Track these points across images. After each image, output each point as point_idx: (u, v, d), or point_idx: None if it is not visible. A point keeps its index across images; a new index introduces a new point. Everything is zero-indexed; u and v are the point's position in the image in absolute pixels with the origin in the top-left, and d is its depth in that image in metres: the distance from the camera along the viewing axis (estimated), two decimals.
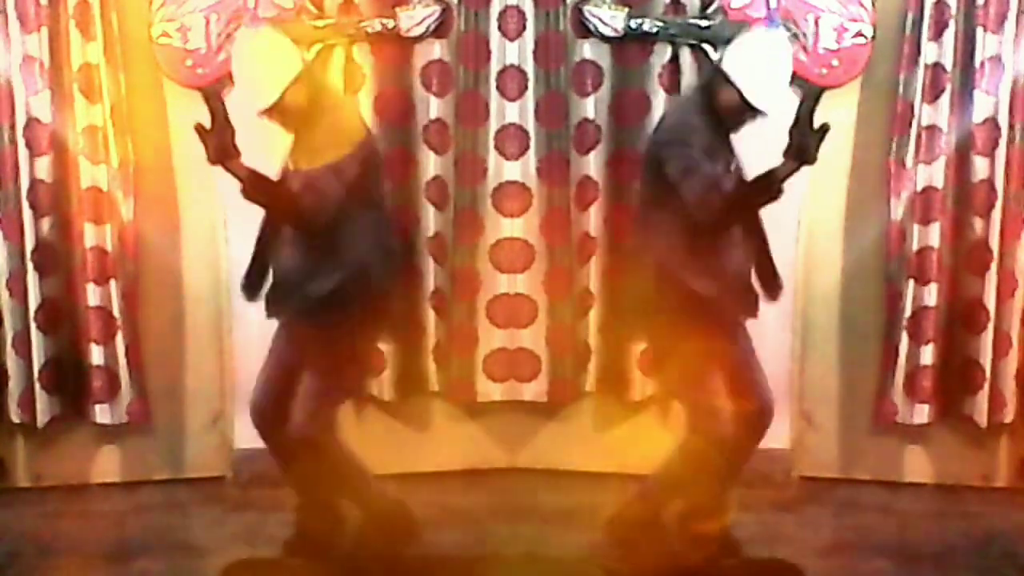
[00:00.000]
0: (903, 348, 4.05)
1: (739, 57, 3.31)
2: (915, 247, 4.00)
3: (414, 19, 3.92)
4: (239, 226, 3.99)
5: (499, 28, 3.99)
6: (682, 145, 3.27)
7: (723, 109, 3.30)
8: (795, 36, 3.88)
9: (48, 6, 3.84)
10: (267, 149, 3.62)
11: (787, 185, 3.19)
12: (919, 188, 3.97)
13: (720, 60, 3.39)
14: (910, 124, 3.94)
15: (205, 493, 4.13)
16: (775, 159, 3.19)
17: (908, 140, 3.94)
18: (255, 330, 4.03)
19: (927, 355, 4.03)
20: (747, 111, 3.27)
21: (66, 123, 3.91)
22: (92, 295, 4.00)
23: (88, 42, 3.86)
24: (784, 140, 3.19)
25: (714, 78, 3.36)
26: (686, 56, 3.95)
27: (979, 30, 3.87)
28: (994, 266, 3.97)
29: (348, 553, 3.61)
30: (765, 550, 3.67)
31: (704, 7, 3.94)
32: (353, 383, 3.67)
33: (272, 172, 3.34)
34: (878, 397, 4.13)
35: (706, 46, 3.93)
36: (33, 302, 3.97)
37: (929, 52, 3.89)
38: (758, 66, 3.30)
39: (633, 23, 3.92)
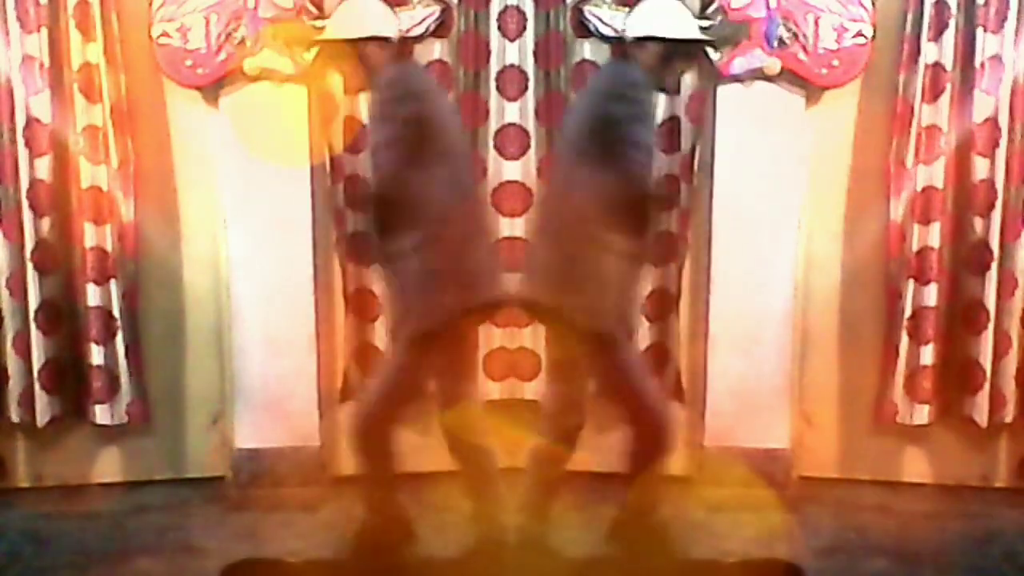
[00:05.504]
0: (903, 348, 4.04)
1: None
2: (915, 247, 3.99)
3: (414, 19, 3.92)
4: (239, 226, 4.01)
5: (499, 28, 3.98)
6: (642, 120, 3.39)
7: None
8: (795, 36, 3.88)
9: (48, 6, 3.84)
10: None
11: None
12: (919, 188, 3.96)
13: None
14: (910, 124, 3.93)
15: (205, 493, 4.13)
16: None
17: (908, 140, 3.94)
18: (255, 330, 4.06)
19: (927, 355, 4.03)
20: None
21: (66, 123, 3.90)
22: (92, 295, 3.99)
23: (88, 42, 3.86)
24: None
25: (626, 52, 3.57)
26: None
27: (979, 30, 3.86)
28: (994, 266, 3.97)
29: (350, 553, 3.62)
30: (765, 550, 3.67)
31: (704, 7, 3.93)
32: None
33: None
34: (878, 397, 4.13)
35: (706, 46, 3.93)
36: (33, 302, 3.97)
37: (929, 52, 3.89)
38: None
39: None
